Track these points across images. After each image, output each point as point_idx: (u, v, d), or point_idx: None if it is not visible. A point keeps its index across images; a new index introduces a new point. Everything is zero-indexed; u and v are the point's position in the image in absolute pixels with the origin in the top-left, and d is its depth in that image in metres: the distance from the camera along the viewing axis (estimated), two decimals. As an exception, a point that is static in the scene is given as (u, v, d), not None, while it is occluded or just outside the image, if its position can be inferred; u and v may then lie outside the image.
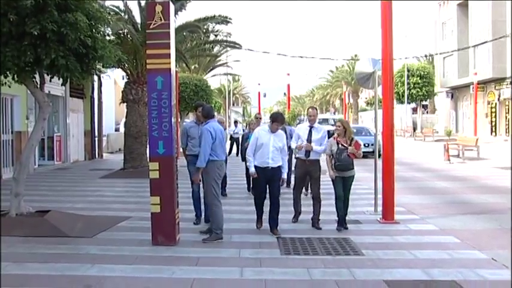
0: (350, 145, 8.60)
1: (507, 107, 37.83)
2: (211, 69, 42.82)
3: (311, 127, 9.05)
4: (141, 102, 17.70)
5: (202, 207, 9.07)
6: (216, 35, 22.85)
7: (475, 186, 14.73)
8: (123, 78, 22.48)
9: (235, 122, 28.16)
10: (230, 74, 54.74)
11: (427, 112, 57.75)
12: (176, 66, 21.64)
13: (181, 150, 9.61)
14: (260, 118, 13.97)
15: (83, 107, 23.54)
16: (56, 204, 10.67)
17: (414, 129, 48.60)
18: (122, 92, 18.82)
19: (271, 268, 6.47)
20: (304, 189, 10.66)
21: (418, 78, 45.22)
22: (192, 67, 34.11)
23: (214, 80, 54.99)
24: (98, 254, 7.15)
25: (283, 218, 8.79)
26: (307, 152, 8.90)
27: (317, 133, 9.00)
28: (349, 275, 6.28)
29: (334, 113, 75.30)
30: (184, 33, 20.23)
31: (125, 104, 18.59)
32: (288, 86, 32.21)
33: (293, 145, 9.24)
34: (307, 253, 7.21)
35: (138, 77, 18.15)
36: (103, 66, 18.19)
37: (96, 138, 25.05)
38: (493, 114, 40.13)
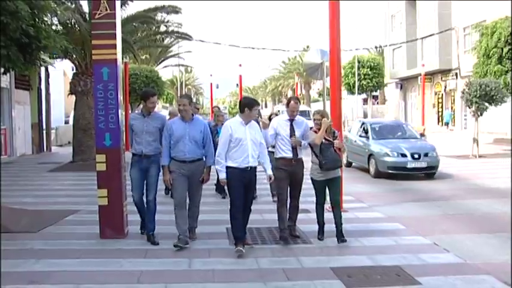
0: (334, 138, 7.42)
1: (453, 98, 39.02)
2: (163, 60, 42.41)
3: (292, 120, 7.55)
4: (90, 94, 17.35)
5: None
6: (166, 26, 22.61)
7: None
8: (72, 70, 22.00)
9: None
10: (182, 65, 54.27)
11: (377, 103, 58.90)
12: (125, 57, 21.38)
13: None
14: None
15: (29, 99, 22.87)
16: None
17: (365, 119, 49.45)
18: (70, 83, 18.48)
19: (220, 258, 6.49)
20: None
21: (369, 69, 45.96)
22: (143, 57, 33.66)
23: (166, 71, 54.50)
24: (43, 249, 7.00)
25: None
26: (295, 150, 7.44)
27: (299, 127, 7.58)
28: (297, 263, 6.39)
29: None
30: (135, 24, 19.94)
31: (74, 95, 18.22)
32: (240, 77, 32.16)
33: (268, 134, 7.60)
34: (256, 242, 7.26)
35: (87, 68, 17.81)
36: (49, 57, 17.76)
37: (44, 131, 24.41)
38: (440, 105, 41.29)
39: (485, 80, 19.61)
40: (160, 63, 41.89)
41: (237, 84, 35.89)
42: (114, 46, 7.47)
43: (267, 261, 6.41)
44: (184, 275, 5.90)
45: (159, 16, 21.07)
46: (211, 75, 42.20)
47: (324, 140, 7.30)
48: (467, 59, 33.11)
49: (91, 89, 17.10)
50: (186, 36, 24.13)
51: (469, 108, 19.91)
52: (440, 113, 41.21)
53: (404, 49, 44.69)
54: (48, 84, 24.77)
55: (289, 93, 78.92)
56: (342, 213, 8.88)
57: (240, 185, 6.70)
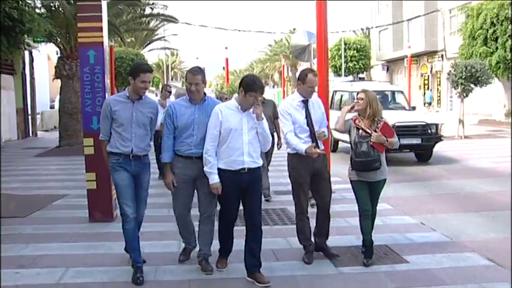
0: (375, 130, 5.53)
1: (439, 79, 39.23)
2: (149, 44, 42.00)
3: (306, 101, 5.71)
4: (75, 77, 17.22)
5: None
6: (152, 8, 22.42)
7: (407, 155, 15.28)
8: (57, 54, 21.79)
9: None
10: (168, 48, 53.86)
11: (364, 85, 59.02)
12: (111, 40, 21.17)
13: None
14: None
15: (13, 83, 22.60)
16: (-14, 185, 10.30)
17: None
18: (55, 67, 18.32)
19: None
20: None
21: (355, 51, 45.96)
22: (129, 40, 33.35)
23: (152, 54, 54.07)
24: (32, 234, 7.00)
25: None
26: (315, 141, 5.71)
27: (316, 110, 5.81)
28: (286, 244, 6.45)
29: (273, 87, 75.51)
30: (120, 7, 19.74)
31: (59, 80, 18.08)
32: (227, 59, 32.13)
33: (286, 129, 5.67)
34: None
35: (72, 52, 17.64)
36: (33, 41, 17.53)
37: (30, 116, 24.21)
38: (426, 87, 41.51)
39: (470, 62, 19.73)
40: (145, 46, 41.52)
41: (224, 67, 35.77)
42: (101, 29, 7.42)
43: (257, 242, 6.43)
44: (175, 258, 5.91)
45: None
46: (197, 58, 42.19)
47: (360, 131, 5.59)
48: (453, 41, 33.25)
49: (76, 73, 16.97)
50: (171, 19, 23.98)
51: (455, 89, 20.05)
52: (424, 95, 41.51)
53: (391, 31, 44.76)
54: (33, 68, 24.51)
55: (276, 76, 78.65)
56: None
57: (232, 193, 5.09)
